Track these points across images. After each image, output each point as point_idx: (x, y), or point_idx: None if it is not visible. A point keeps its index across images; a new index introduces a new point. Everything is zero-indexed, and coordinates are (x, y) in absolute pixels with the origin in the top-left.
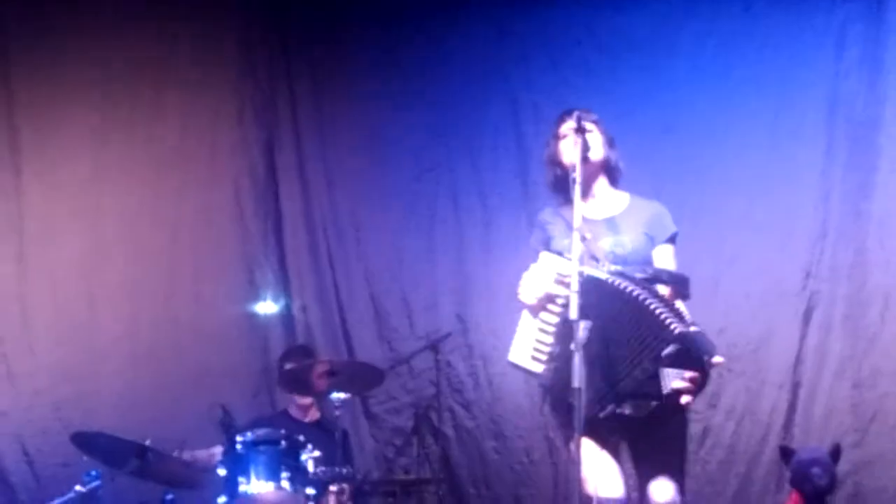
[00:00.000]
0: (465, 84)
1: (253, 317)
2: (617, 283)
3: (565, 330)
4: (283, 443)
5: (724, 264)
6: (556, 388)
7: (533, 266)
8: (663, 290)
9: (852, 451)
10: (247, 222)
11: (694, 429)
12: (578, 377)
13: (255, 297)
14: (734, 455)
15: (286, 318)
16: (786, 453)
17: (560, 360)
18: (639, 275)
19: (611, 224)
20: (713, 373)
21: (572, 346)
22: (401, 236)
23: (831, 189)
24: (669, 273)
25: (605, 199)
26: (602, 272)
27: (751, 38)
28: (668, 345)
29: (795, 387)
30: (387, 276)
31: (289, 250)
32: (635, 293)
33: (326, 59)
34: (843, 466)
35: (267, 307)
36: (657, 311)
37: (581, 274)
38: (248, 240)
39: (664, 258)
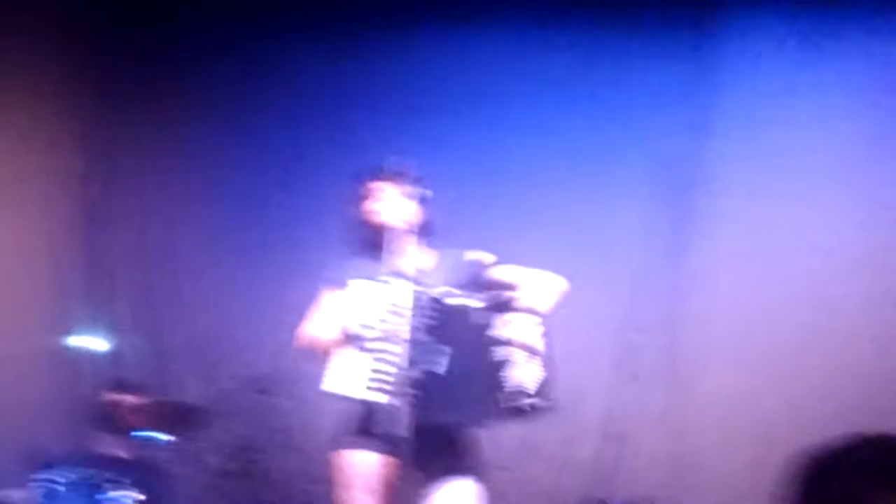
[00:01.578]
0: (292, 118)
1: (68, 350)
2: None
3: (416, 354)
4: (101, 481)
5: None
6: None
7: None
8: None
9: (669, 502)
10: (60, 254)
11: (508, 478)
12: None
13: (71, 330)
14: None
15: (104, 352)
16: None
17: (418, 386)
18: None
19: (426, 275)
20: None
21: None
22: (229, 269)
23: (651, 242)
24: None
25: (415, 259)
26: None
27: (582, 86)
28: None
29: (615, 437)
30: (214, 311)
31: (107, 283)
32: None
33: (146, 85)
34: None
35: (84, 341)
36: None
37: (427, 297)
38: (62, 272)
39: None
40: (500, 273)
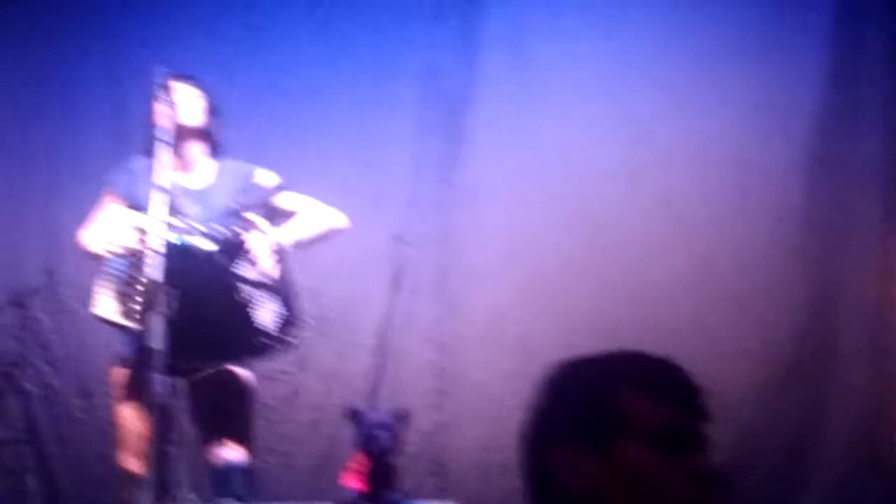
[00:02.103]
0: (64, 35)
1: None
2: (205, 253)
3: (151, 290)
4: None
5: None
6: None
7: (110, 212)
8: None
9: (436, 413)
10: None
11: (284, 389)
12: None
13: None
14: (324, 416)
15: None
16: (353, 415)
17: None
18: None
19: (201, 196)
20: (304, 334)
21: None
22: None
23: (423, 158)
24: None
25: (200, 170)
26: (195, 241)
27: (354, 2)
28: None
29: (383, 350)
30: None
31: None
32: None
33: None
34: (426, 427)
35: None
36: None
37: (168, 240)
38: None
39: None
40: (281, 200)
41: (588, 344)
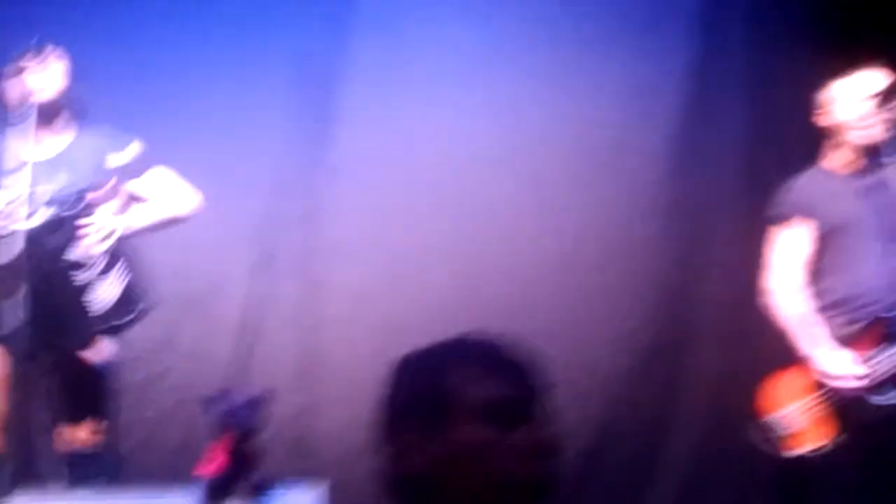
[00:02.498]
0: None
1: None
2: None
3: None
4: None
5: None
6: None
7: None
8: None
9: (301, 394)
10: None
11: (148, 371)
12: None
13: None
14: (189, 398)
15: None
16: (214, 397)
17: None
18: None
19: (51, 172)
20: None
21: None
22: None
23: (291, 138)
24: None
25: (53, 140)
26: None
27: None
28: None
29: (248, 331)
30: None
31: None
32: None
33: None
34: (289, 410)
35: None
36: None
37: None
38: None
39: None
40: (132, 184)
41: (453, 325)
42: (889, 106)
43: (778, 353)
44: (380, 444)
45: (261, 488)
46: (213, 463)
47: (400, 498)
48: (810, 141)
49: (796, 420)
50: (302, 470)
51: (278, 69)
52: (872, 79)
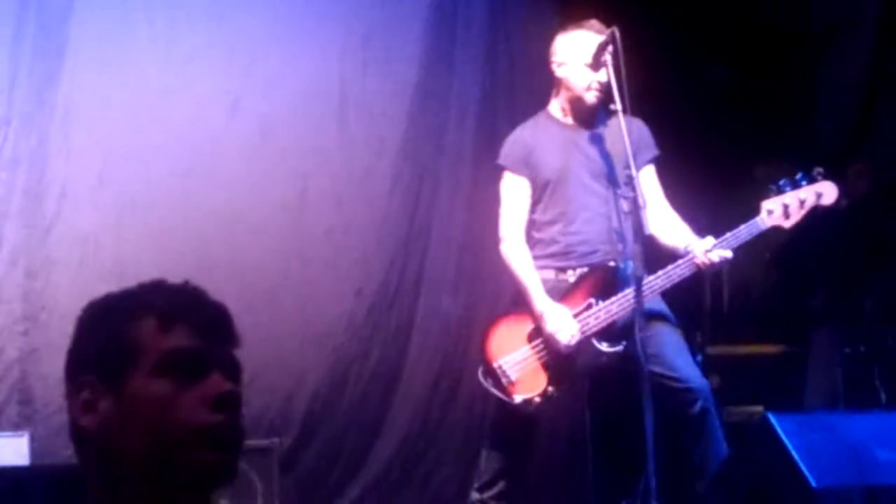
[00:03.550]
0: None
1: None
2: None
3: None
4: None
5: None
6: None
7: None
8: None
9: (21, 338)
10: None
11: None
12: None
13: None
14: None
15: None
16: None
17: None
18: None
19: None
20: None
21: None
22: None
23: (17, 75)
24: None
25: None
26: None
27: None
28: None
29: None
30: None
31: None
32: None
33: None
34: (11, 354)
35: None
36: None
37: None
38: None
39: None
40: None
41: (182, 269)
42: (599, 65)
43: (509, 297)
44: (67, 392)
45: None
46: None
47: (81, 448)
48: (541, 90)
49: (518, 368)
50: (23, 417)
51: (3, 2)
52: (591, 40)
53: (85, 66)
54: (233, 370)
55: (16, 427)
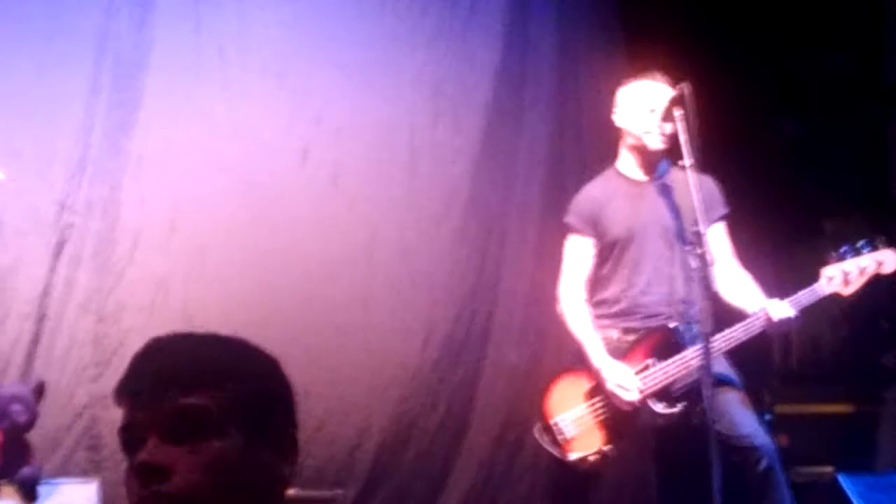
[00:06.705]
0: None
1: None
2: None
3: None
4: None
5: None
6: None
7: None
8: None
9: (92, 384)
10: None
11: None
12: None
13: None
14: None
15: None
16: None
17: None
18: None
19: None
20: None
21: None
22: None
23: (93, 124)
24: None
25: None
26: None
27: None
28: None
29: (41, 319)
30: None
31: None
32: None
33: None
34: (81, 399)
35: None
36: None
37: None
38: None
39: None
40: None
41: (250, 317)
42: (668, 119)
43: (569, 355)
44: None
45: (30, 483)
46: None
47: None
48: (610, 144)
49: (575, 425)
50: (92, 463)
51: (81, 51)
52: (655, 90)
53: (158, 115)
54: (176, 426)
55: (84, 473)
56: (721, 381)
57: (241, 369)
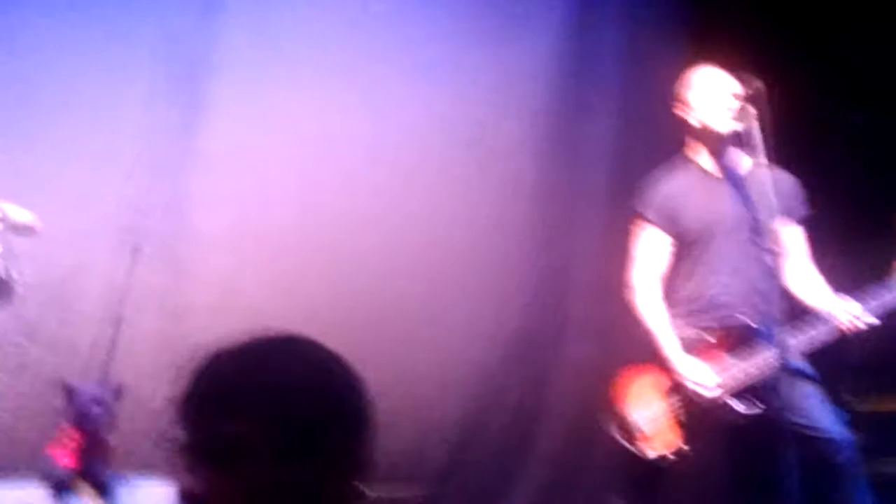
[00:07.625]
0: None
1: None
2: None
3: None
4: None
5: (46, 192)
6: None
7: None
8: None
9: (168, 386)
10: None
11: (13, 361)
12: None
13: None
14: (51, 388)
15: None
16: (66, 390)
17: None
18: None
19: None
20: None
21: None
22: None
23: (159, 125)
24: None
25: None
26: None
27: None
28: None
29: (116, 321)
30: None
31: None
32: None
33: None
34: (157, 402)
35: None
36: None
37: None
38: None
39: None
40: None
41: (316, 314)
42: (739, 104)
43: (643, 347)
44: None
45: (108, 483)
46: (59, 454)
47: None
48: (678, 131)
49: (653, 423)
50: (171, 464)
51: (145, 54)
52: (723, 77)
53: (223, 116)
54: (217, 452)
55: (162, 474)
56: (798, 374)
57: (297, 392)
